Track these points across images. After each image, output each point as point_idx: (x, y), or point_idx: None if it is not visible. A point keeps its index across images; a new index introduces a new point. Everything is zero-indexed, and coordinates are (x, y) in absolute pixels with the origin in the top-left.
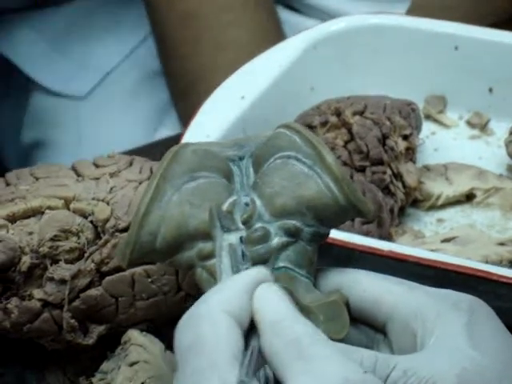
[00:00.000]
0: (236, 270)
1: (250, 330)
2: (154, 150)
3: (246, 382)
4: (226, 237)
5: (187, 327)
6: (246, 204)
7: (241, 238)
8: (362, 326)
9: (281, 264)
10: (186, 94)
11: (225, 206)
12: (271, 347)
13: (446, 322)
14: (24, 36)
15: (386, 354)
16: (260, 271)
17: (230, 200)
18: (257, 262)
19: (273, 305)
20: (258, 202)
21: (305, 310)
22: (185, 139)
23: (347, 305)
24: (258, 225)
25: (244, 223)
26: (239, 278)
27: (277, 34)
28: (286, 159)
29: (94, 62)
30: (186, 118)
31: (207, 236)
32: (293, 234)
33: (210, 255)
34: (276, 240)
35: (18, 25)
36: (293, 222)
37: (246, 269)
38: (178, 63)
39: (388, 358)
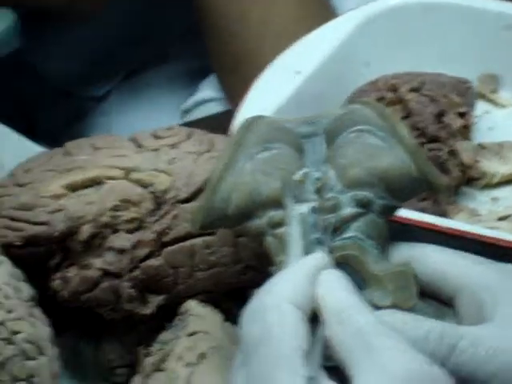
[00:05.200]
0: (306, 238)
1: (313, 318)
2: (205, 124)
3: (314, 375)
4: (297, 206)
5: (254, 319)
6: (318, 178)
7: (312, 207)
8: (430, 300)
9: (351, 234)
10: (233, 70)
11: (297, 176)
12: (336, 337)
13: None
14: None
15: (454, 325)
16: (320, 257)
17: (302, 171)
18: (327, 231)
19: (336, 293)
20: (331, 173)
21: (373, 279)
22: (240, 113)
23: (415, 277)
24: (330, 195)
25: (316, 192)
26: (301, 265)
27: (324, 7)
28: (359, 133)
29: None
30: (233, 94)
31: (278, 204)
32: (364, 205)
33: (281, 223)
34: (347, 210)
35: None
36: (364, 193)
37: (316, 238)
38: (223, 39)
39: (455, 328)
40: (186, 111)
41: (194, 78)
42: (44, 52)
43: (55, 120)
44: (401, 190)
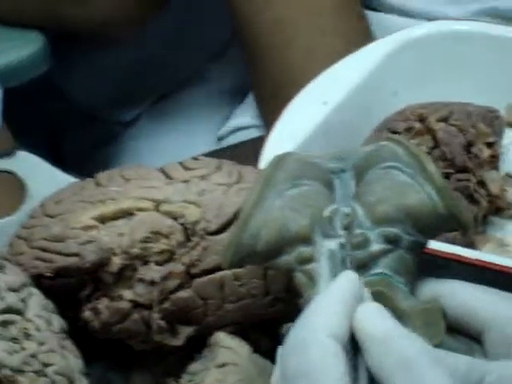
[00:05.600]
0: (335, 274)
1: (352, 349)
2: (234, 152)
3: None
4: (326, 242)
5: (294, 353)
6: (347, 214)
7: (340, 243)
8: (459, 336)
9: (379, 270)
10: (273, 97)
11: (326, 213)
12: (381, 366)
13: None
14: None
15: (481, 360)
16: (352, 280)
17: (331, 207)
18: (356, 268)
19: (379, 323)
20: (359, 210)
21: (401, 315)
22: (267, 145)
23: (443, 313)
24: (358, 231)
25: (345, 229)
26: (336, 293)
27: (368, 39)
28: (387, 169)
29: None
30: (271, 121)
31: (307, 240)
32: (392, 242)
33: (310, 259)
34: (375, 246)
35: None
36: (393, 230)
37: None
38: (265, 68)
39: (483, 364)
40: (221, 138)
41: (227, 100)
42: (72, 75)
43: (82, 144)
44: (428, 226)
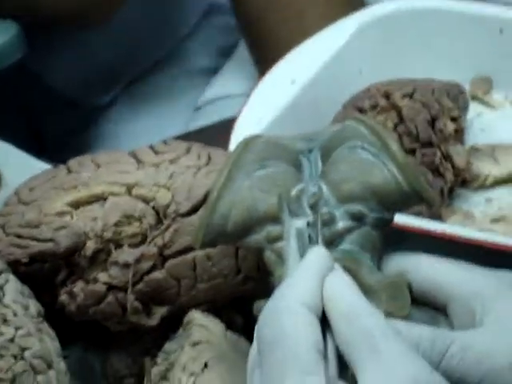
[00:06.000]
0: (303, 252)
1: (324, 319)
2: (201, 137)
3: (330, 375)
4: (293, 221)
5: (269, 322)
6: (314, 193)
7: (308, 222)
8: (425, 308)
9: (346, 247)
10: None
11: (293, 192)
12: (345, 338)
13: (504, 300)
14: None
15: (445, 330)
16: (324, 254)
17: (299, 187)
18: (324, 245)
19: (345, 296)
20: (325, 189)
21: (368, 290)
22: (237, 125)
23: (409, 286)
24: (325, 209)
25: (311, 208)
26: (309, 265)
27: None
28: (352, 149)
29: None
30: None
31: (276, 220)
32: (358, 219)
33: (278, 238)
34: (341, 224)
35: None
36: (358, 207)
37: None
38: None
39: (447, 334)
40: (198, 108)
41: (202, 80)
42: (48, 61)
43: (62, 129)
44: (393, 203)
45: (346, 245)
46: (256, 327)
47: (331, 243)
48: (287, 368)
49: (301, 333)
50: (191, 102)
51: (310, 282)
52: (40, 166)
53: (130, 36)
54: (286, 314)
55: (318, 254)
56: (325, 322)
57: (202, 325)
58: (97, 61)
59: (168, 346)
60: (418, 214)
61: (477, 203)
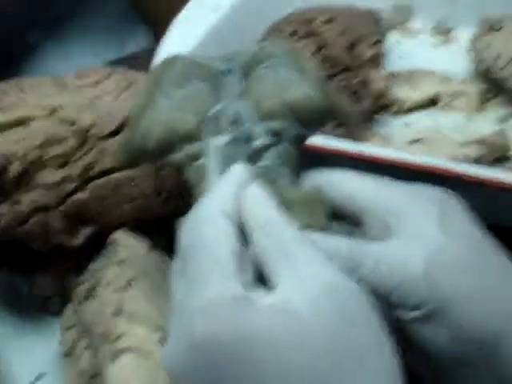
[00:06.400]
0: (223, 169)
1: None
2: (129, 63)
3: (248, 280)
4: (213, 139)
5: (190, 228)
6: (233, 112)
7: (228, 139)
8: (342, 222)
9: (265, 163)
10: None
11: (213, 111)
12: (262, 247)
13: (418, 212)
14: None
15: (360, 242)
16: (244, 169)
17: (218, 106)
18: (243, 161)
19: (262, 207)
20: (245, 107)
21: (286, 203)
22: (161, 51)
23: (326, 200)
24: (245, 127)
25: (230, 125)
26: (229, 179)
27: None
28: (271, 67)
29: None
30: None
31: (196, 138)
32: (277, 135)
33: (199, 156)
34: (260, 140)
35: None
36: (276, 124)
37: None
38: None
39: (361, 246)
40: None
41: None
42: None
43: None
44: (310, 119)
45: (265, 161)
46: (178, 235)
47: (251, 159)
48: (208, 272)
49: (221, 239)
50: (115, 42)
51: (230, 193)
52: None
53: None
54: (206, 222)
55: (239, 169)
56: (243, 233)
57: (126, 244)
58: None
59: (93, 265)
60: (339, 137)
61: (395, 127)
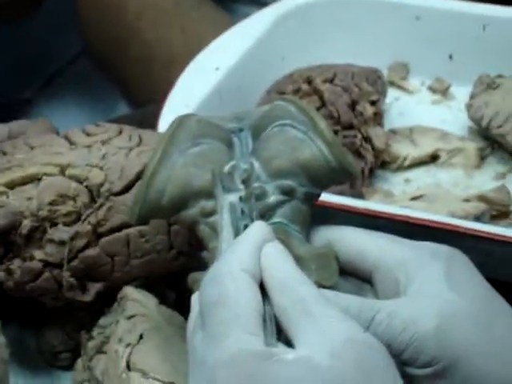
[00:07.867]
0: (236, 225)
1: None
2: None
3: (270, 341)
4: (226, 196)
5: (211, 285)
6: (245, 169)
7: (240, 196)
8: (351, 278)
9: (277, 220)
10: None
11: (226, 168)
12: (281, 305)
13: (426, 269)
14: None
15: (371, 299)
16: (263, 226)
17: (231, 163)
18: (256, 218)
19: (280, 265)
20: (256, 165)
21: (298, 260)
22: (165, 110)
23: (336, 257)
24: (256, 184)
25: (243, 183)
26: (249, 236)
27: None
28: (281, 127)
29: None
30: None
31: (209, 195)
32: (288, 193)
33: (212, 212)
34: (272, 198)
35: None
36: (288, 182)
37: (245, 225)
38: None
39: (373, 303)
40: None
41: None
42: None
43: None
44: (321, 178)
45: (277, 218)
46: (198, 291)
47: (263, 216)
48: (229, 327)
49: (242, 295)
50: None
51: (250, 250)
52: None
53: (48, 31)
54: (228, 277)
55: (259, 225)
56: (262, 290)
57: (136, 299)
58: (16, 55)
59: (103, 320)
60: (341, 194)
61: (396, 183)
